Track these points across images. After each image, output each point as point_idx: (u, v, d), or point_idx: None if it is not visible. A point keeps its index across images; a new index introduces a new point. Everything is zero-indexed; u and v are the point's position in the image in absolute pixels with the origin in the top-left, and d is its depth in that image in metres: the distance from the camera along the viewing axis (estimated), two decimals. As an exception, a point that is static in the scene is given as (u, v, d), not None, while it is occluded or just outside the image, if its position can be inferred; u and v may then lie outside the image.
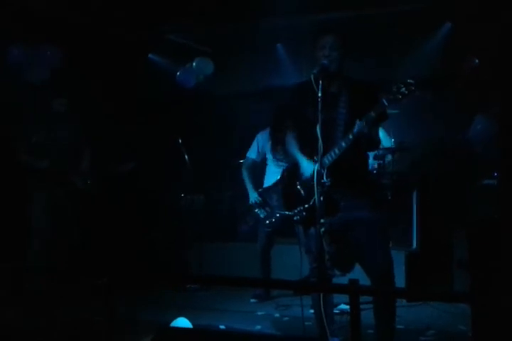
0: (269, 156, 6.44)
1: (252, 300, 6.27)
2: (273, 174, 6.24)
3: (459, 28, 7.42)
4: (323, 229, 3.71)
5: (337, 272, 4.05)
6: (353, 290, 2.81)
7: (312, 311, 4.33)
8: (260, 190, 6.38)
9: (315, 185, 3.76)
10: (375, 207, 4.05)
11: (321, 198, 3.74)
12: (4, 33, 6.66)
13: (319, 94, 3.80)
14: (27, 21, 6.78)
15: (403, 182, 6.84)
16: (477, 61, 7.33)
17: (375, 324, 4.04)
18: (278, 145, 6.23)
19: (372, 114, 3.74)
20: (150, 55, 8.70)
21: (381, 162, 6.83)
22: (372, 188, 4.42)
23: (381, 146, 6.00)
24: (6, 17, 6.55)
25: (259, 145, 6.52)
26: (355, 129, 3.77)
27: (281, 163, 6.20)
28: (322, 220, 3.72)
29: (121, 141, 7.80)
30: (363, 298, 3.15)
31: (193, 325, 4.43)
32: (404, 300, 5.72)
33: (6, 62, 6.86)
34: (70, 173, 6.58)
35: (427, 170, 7.37)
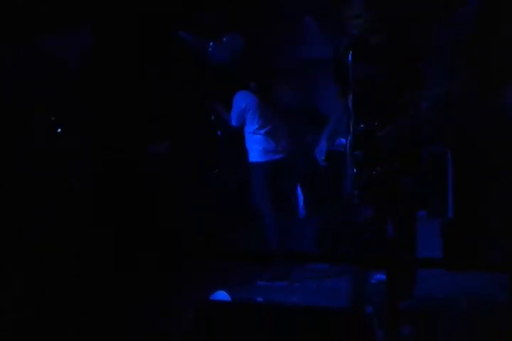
0: None
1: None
2: None
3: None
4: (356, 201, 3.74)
5: None
6: (390, 262, 2.84)
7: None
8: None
9: (348, 157, 3.77)
10: (406, 177, 4.04)
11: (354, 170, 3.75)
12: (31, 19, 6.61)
13: (350, 67, 3.78)
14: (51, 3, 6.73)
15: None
16: None
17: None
18: None
19: None
20: (180, 32, 8.69)
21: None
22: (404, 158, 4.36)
23: None
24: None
25: None
26: None
27: None
28: (356, 192, 3.74)
29: (150, 119, 7.80)
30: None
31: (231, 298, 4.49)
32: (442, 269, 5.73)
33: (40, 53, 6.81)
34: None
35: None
